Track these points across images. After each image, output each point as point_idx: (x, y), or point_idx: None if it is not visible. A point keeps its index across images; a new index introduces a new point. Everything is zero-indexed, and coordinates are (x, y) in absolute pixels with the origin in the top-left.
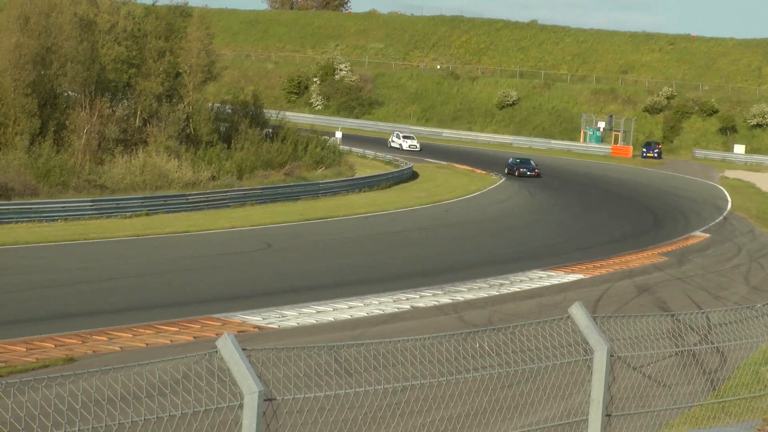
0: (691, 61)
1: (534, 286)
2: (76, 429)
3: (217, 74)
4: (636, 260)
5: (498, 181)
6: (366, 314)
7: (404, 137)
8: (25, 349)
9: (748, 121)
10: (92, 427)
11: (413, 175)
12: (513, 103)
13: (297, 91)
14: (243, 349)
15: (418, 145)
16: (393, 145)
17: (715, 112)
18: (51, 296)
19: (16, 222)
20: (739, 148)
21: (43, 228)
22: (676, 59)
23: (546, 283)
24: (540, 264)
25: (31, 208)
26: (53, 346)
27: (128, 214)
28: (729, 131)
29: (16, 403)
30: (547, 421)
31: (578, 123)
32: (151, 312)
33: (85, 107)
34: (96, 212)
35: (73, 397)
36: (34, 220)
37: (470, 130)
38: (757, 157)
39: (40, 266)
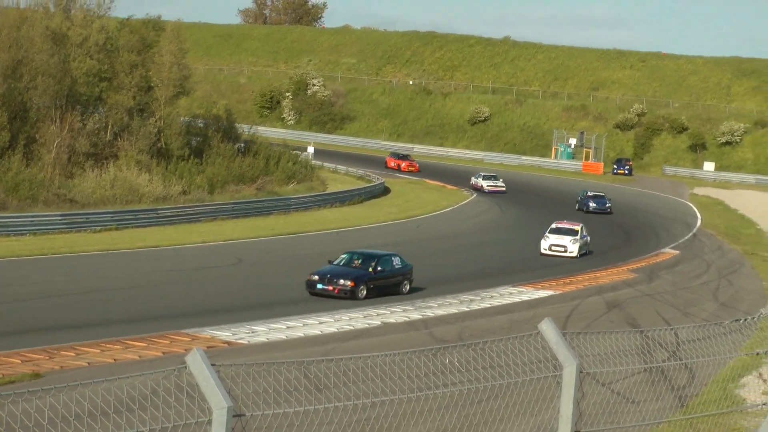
0: (661, 79)
1: (504, 302)
2: None
3: (189, 88)
4: (606, 276)
5: (469, 197)
6: (336, 330)
7: (484, 177)
8: None
9: (718, 138)
10: None
11: (385, 191)
12: (485, 119)
13: (269, 106)
14: (212, 365)
15: (504, 186)
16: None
17: (685, 129)
18: (18, 311)
19: None
20: (709, 166)
21: (12, 242)
22: (646, 76)
23: (516, 299)
24: (511, 280)
25: None
26: (20, 361)
27: (98, 228)
28: (699, 148)
29: None
30: None
31: (549, 139)
32: (120, 327)
33: (55, 121)
34: (65, 226)
35: (40, 413)
36: (2, 234)
37: (442, 145)
38: (726, 175)
39: (8, 280)
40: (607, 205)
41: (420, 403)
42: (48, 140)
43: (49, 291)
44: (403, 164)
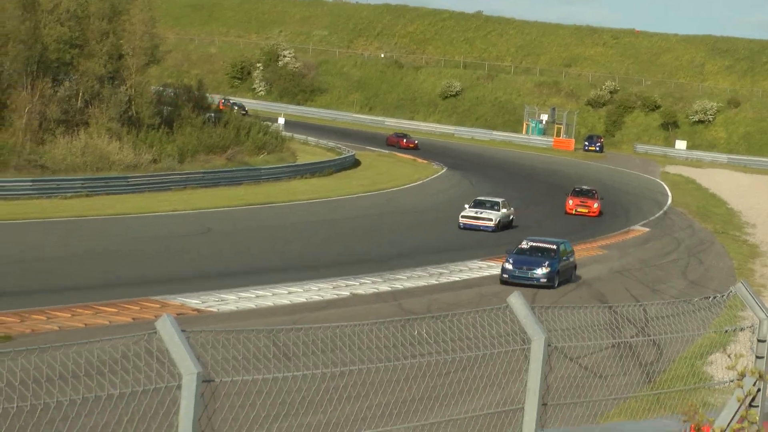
0: (634, 56)
1: (473, 275)
2: (14, 406)
3: (160, 57)
4: (576, 253)
5: (440, 170)
6: (305, 300)
7: (475, 205)
8: None
9: (690, 117)
10: (30, 405)
11: (355, 163)
12: (456, 94)
13: (240, 77)
14: (182, 331)
15: (492, 221)
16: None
17: (658, 107)
18: None
19: None
20: (681, 144)
21: None
22: (619, 54)
23: (485, 273)
24: (480, 254)
25: None
26: None
27: (68, 194)
28: (671, 127)
29: None
30: (483, 408)
31: (521, 115)
32: (91, 293)
33: (26, 87)
34: (36, 192)
35: (12, 375)
36: None
37: (413, 119)
38: (697, 153)
39: None
40: (539, 274)
41: (388, 373)
42: (19, 106)
43: (20, 256)
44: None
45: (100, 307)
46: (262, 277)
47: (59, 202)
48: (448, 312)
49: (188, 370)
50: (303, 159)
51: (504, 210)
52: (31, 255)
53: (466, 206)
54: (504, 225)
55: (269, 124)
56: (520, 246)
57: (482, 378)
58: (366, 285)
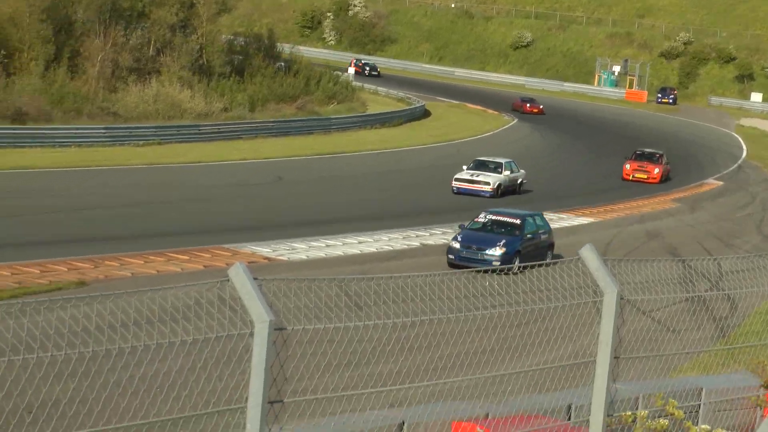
0: (709, 7)
1: None
2: (90, 350)
3: (231, 6)
4: (647, 206)
5: (510, 122)
6: (375, 250)
7: (475, 167)
8: (38, 272)
9: (766, 69)
10: (105, 349)
11: (425, 114)
12: (527, 45)
13: (310, 26)
14: (254, 279)
15: (489, 185)
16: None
17: (733, 59)
18: (63, 221)
19: (30, 146)
20: (756, 97)
21: (56, 153)
22: (694, 4)
23: (556, 225)
24: (550, 206)
25: (44, 134)
26: (66, 269)
27: (141, 142)
28: (746, 79)
29: (32, 323)
30: (555, 361)
31: (593, 66)
32: (162, 240)
33: (99, 35)
34: (109, 139)
35: (87, 320)
36: (47, 146)
37: (483, 70)
38: None
39: (53, 191)
40: (492, 255)
41: (459, 324)
42: (92, 54)
43: (93, 202)
44: None
45: (172, 254)
46: (331, 226)
47: (131, 150)
48: (519, 264)
49: (260, 317)
50: (372, 109)
51: (507, 173)
52: (103, 202)
53: (464, 167)
54: (507, 190)
55: (339, 73)
56: (476, 219)
57: (554, 330)
58: (436, 236)
